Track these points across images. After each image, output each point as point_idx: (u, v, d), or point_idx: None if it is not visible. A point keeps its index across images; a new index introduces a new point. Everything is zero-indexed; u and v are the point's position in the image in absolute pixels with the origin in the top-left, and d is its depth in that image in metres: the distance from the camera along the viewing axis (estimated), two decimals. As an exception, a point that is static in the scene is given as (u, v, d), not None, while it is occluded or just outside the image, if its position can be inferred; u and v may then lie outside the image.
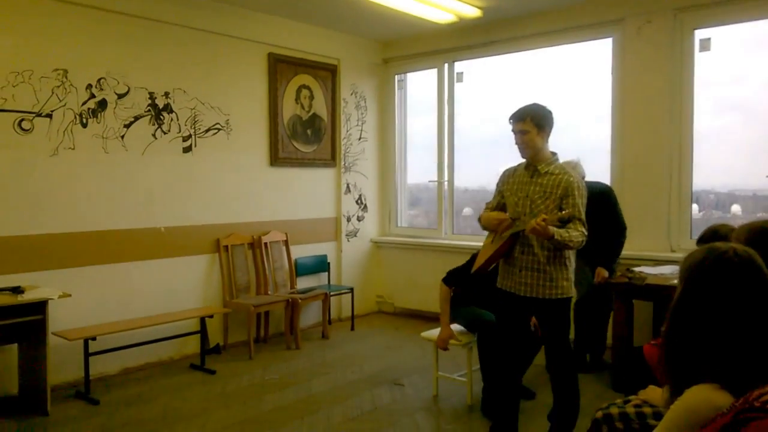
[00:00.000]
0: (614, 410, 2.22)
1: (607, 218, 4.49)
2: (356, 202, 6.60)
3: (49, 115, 4.30)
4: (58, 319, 4.12)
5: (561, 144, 5.89)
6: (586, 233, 3.10)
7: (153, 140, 4.88)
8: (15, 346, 4.12)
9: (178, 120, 5.04)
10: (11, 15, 4.11)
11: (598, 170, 5.55)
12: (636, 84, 5.16)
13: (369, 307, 6.76)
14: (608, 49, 5.35)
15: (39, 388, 3.90)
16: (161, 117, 4.93)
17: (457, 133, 6.45)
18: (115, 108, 4.64)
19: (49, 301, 3.83)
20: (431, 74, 6.56)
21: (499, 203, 3.36)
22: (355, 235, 6.59)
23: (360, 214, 6.65)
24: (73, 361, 4.23)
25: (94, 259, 4.56)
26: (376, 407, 4.00)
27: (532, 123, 3.17)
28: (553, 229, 2.96)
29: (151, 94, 4.85)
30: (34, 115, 4.23)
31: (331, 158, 6.32)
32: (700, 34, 4.93)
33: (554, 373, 3.29)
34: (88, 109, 4.50)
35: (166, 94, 4.95)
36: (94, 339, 4.13)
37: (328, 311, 5.81)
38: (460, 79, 6.40)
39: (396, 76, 6.88)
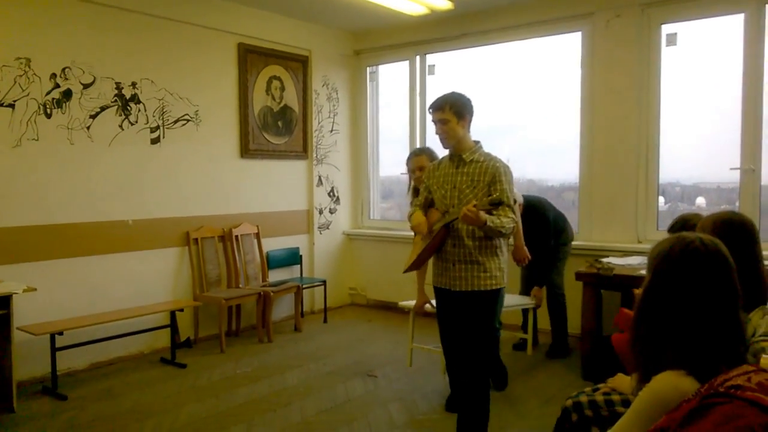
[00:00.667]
0: (583, 398, 2.27)
1: (535, 233, 4.53)
2: (328, 194, 6.58)
3: (12, 105, 4.19)
4: (23, 313, 4.03)
5: (530, 137, 5.99)
6: (517, 219, 3.12)
7: (120, 131, 4.79)
8: (-22, 341, 4.01)
9: (145, 111, 4.95)
10: (-29, 1, 3.99)
11: (567, 164, 5.65)
12: (604, 78, 5.23)
13: (342, 299, 6.75)
14: (578, 42, 5.42)
15: (4, 384, 3.81)
16: (128, 107, 4.83)
17: (428, 126, 6.47)
18: (80, 98, 4.54)
19: (14, 296, 3.74)
20: (403, 66, 6.56)
21: (427, 199, 3.28)
22: (328, 228, 6.57)
23: (332, 207, 6.63)
24: (40, 357, 4.15)
25: (60, 253, 4.46)
26: (349, 399, 4.01)
27: (451, 112, 3.12)
28: (485, 215, 2.90)
29: (117, 84, 4.75)
30: (-5, 105, 4.11)
31: (303, 150, 6.29)
32: (667, 29, 5.02)
33: (470, 366, 3.15)
34: (53, 99, 4.39)
35: (134, 84, 4.85)
36: (61, 334, 4.05)
37: (300, 304, 5.79)
38: (432, 72, 6.41)
39: (368, 68, 6.86)
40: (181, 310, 4.86)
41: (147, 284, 4.96)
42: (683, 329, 1.42)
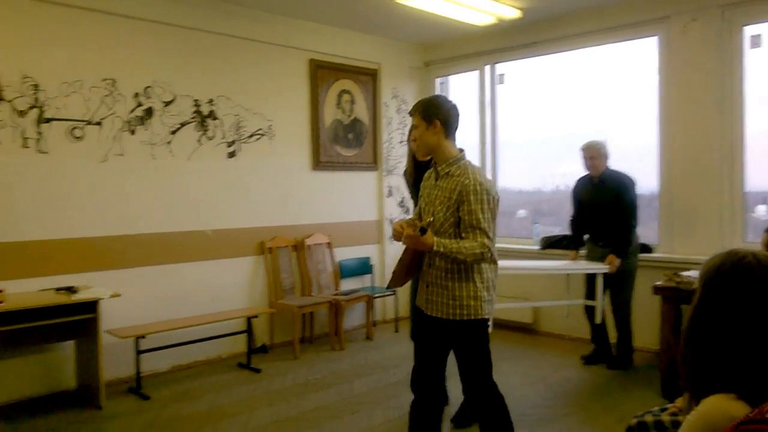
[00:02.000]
0: (649, 418, 2.17)
1: (620, 208, 4.66)
2: (398, 205, 6.63)
3: (99, 123, 4.49)
4: (111, 317, 4.29)
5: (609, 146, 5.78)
6: (486, 243, 2.64)
7: (198, 146, 5.04)
8: (72, 343, 4.31)
9: (222, 126, 5.18)
10: (63, 28, 4.31)
11: (646, 172, 5.45)
12: (683, 83, 5.03)
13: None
14: (654, 47, 5.24)
15: (93, 384, 4.07)
16: (206, 123, 5.08)
17: (501, 136, 6.41)
18: (161, 115, 4.81)
19: (101, 301, 4.00)
20: (473, 76, 6.55)
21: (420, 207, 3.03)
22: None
23: (402, 218, 6.68)
24: (127, 358, 4.39)
25: (144, 261, 4.73)
26: (416, 408, 4.01)
27: (419, 116, 2.80)
28: (431, 239, 2.59)
29: (196, 101, 5.01)
30: (84, 123, 4.42)
31: (373, 162, 6.38)
32: (750, 30, 4.78)
33: (476, 412, 2.95)
34: (136, 116, 4.68)
35: (211, 101, 5.10)
36: (143, 337, 4.28)
37: (371, 313, 5.86)
38: (501, 81, 6.36)
39: (437, 80, 6.89)
40: (256, 316, 5.03)
41: (225, 291, 5.17)
42: (732, 349, 1.36)
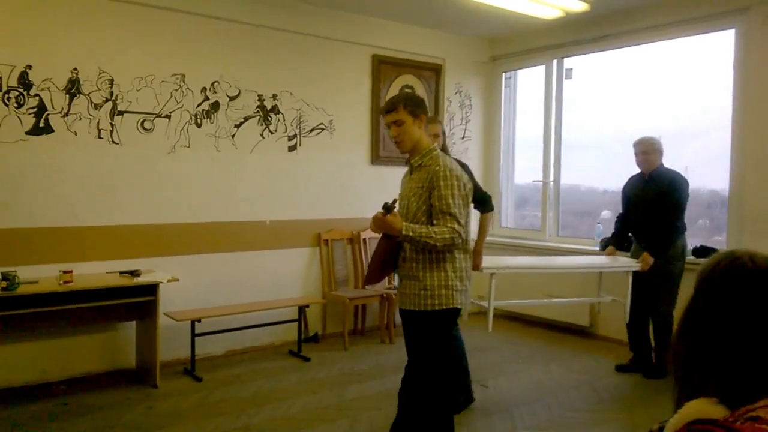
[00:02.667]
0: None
1: (667, 207, 4.45)
2: (458, 201, 6.59)
3: (168, 116, 4.74)
4: (170, 301, 4.54)
5: (680, 146, 5.52)
6: (456, 228, 2.65)
7: (261, 139, 5.22)
8: (134, 323, 4.60)
9: (284, 120, 5.34)
10: (138, 26, 4.58)
11: (716, 174, 5.17)
12: (762, 78, 4.72)
13: (470, 306, 6.72)
14: (730, 41, 4.94)
15: (150, 363, 4.33)
16: (269, 118, 5.25)
17: (571, 132, 6.23)
18: (226, 109, 5.02)
19: (160, 284, 4.24)
20: (540, 71, 6.40)
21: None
22: (457, 234, 6.58)
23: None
24: (184, 341, 4.64)
25: (205, 248, 4.96)
26: (456, 405, 4.01)
27: (405, 111, 2.80)
28: (400, 222, 2.61)
29: (260, 96, 5.19)
30: (154, 116, 4.68)
31: (434, 157, 6.37)
32: (839, 21, 4.42)
33: (411, 405, 2.84)
34: (203, 110, 4.91)
35: (274, 96, 5.26)
36: (199, 321, 4.51)
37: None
38: (569, 76, 6.18)
39: (503, 74, 6.78)
40: (308, 306, 5.17)
41: (280, 281, 5.35)
42: (718, 352, 1.29)
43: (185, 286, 4.60)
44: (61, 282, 3.93)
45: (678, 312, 1.45)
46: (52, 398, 4.06)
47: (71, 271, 3.99)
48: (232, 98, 5.05)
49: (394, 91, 6.01)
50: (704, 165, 5.27)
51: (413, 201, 2.78)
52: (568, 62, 6.17)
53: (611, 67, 5.93)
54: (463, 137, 6.61)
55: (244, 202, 5.16)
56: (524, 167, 6.85)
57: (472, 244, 3.81)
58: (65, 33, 4.29)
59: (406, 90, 6.12)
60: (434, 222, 2.69)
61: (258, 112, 5.20)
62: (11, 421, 3.69)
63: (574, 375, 4.66)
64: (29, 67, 4.15)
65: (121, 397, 4.08)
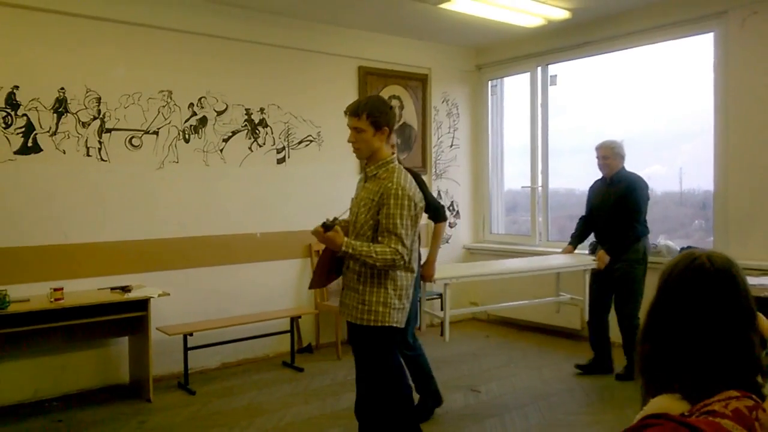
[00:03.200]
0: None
1: (626, 210, 4.51)
2: (448, 208, 6.64)
3: (156, 133, 4.79)
4: (162, 316, 4.57)
5: (673, 147, 5.56)
6: (399, 250, 2.60)
7: (249, 153, 5.26)
8: (126, 339, 4.62)
9: (272, 134, 5.39)
10: (124, 44, 4.63)
11: (701, 175, 5.24)
12: (742, 80, 4.79)
13: (463, 313, 6.76)
14: (709, 44, 5.02)
15: (144, 378, 4.35)
16: (257, 131, 5.30)
17: (551, 138, 6.30)
18: (214, 124, 5.07)
19: (152, 299, 4.27)
20: (525, 78, 6.48)
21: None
22: (447, 242, 6.63)
23: (452, 221, 6.69)
24: (177, 355, 4.65)
25: (196, 262, 4.99)
26: (446, 411, 4.04)
27: (368, 122, 2.74)
28: (341, 238, 2.58)
29: (247, 110, 5.24)
30: (142, 132, 4.73)
31: (422, 166, 6.43)
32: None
33: (370, 421, 2.90)
34: (190, 125, 4.95)
35: (261, 110, 5.31)
36: (191, 335, 4.53)
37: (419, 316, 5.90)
38: (554, 82, 6.26)
39: (489, 82, 6.86)
40: (300, 317, 5.20)
41: (272, 292, 5.37)
42: (682, 350, 1.34)
43: (177, 300, 4.62)
44: (52, 300, 3.95)
45: (643, 314, 1.49)
46: (46, 415, 4.07)
47: (62, 289, 4.02)
48: (219, 113, 5.10)
49: (381, 101, 6.07)
50: (699, 166, 5.33)
51: (362, 212, 2.76)
52: (553, 69, 6.25)
53: (595, 72, 6.01)
54: (452, 145, 6.67)
55: (234, 215, 5.20)
56: (515, 173, 6.90)
57: (424, 257, 3.88)
58: (51, 53, 4.34)
59: (393, 100, 6.18)
60: (379, 239, 2.64)
61: (246, 125, 5.25)
62: (5, 440, 3.70)
63: (566, 378, 4.69)
64: (16, 87, 4.19)
65: (114, 413, 4.09)
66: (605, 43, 5.67)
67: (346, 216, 2.89)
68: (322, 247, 5.43)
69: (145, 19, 4.68)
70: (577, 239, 5.01)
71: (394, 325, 2.72)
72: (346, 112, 2.83)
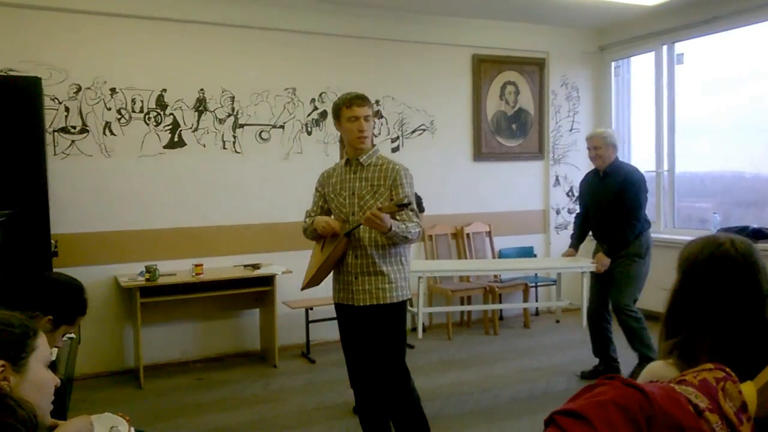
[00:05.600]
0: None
1: (624, 206, 4.16)
2: (566, 194, 6.58)
3: (282, 127, 5.29)
4: (288, 291, 5.05)
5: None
6: (420, 222, 2.84)
7: (366, 142, 5.61)
8: (257, 311, 5.19)
9: (387, 123, 5.70)
10: (254, 47, 5.15)
11: None
12: None
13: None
14: None
15: (271, 346, 4.89)
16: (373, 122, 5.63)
17: (678, 120, 6.00)
18: (333, 116, 5.46)
19: (277, 276, 4.77)
20: (649, 58, 6.21)
21: (322, 208, 3.05)
22: (566, 228, 6.56)
23: (571, 207, 6.61)
24: (301, 327, 5.13)
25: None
26: (546, 393, 4.14)
27: (372, 111, 2.96)
28: (389, 220, 2.66)
29: (363, 102, 5.58)
30: (270, 127, 5.24)
31: (539, 151, 6.42)
32: None
33: (389, 397, 2.91)
34: (312, 119, 5.40)
35: (377, 102, 5.63)
36: (311, 309, 4.99)
37: (533, 301, 5.98)
38: (680, 61, 5.95)
39: (612, 63, 6.64)
40: (411, 298, 5.47)
41: (388, 274, 5.70)
42: (707, 331, 1.42)
43: (300, 277, 5.08)
44: (194, 274, 4.58)
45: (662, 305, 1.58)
46: (189, 374, 4.73)
47: (202, 265, 4.64)
48: (338, 106, 5.49)
49: (495, 88, 6.16)
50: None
51: (368, 198, 2.85)
52: (679, 47, 5.93)
53: (725, 49, 5.63)
54: (571, 129, 6.58)
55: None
56: (645, 157, 6.62)
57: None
58: (192, 59, 4.96)
59: (508, 86, 6.23)
60: (397, 217, 2.76)
61: (363, 117, 5.59)
62: (157, 392, 4.38)
63: (568, 367, 4.70)
64: (164, 90, 4.86)
65: (245, 375, 4.66)
66: (735, 17, 5.30)
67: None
68: (438, 231, 5.68)
69: (271, 22, 5.17)
70: (577, 240, 4.67)
71: (410, 296, 2.99)
72: (355, 103, 2.87)
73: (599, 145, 4.34)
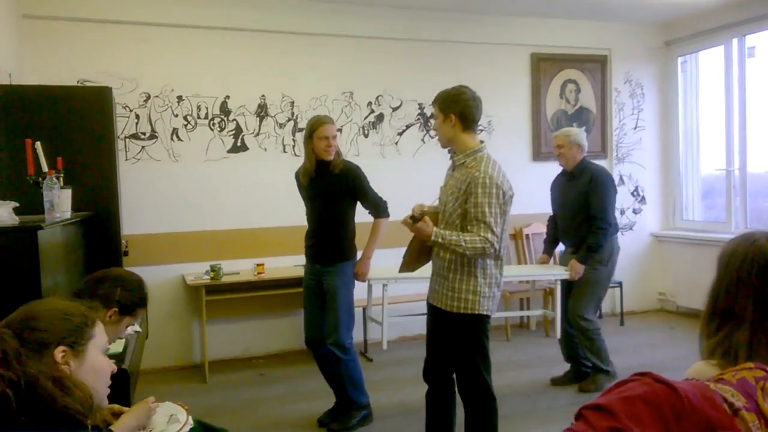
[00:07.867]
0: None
1: (591, 208, 3.97)
2: (631, 194, 6.40)
3: (340, 130, 5.39)
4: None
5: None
6: (489, 238, 2.59)
7: (422, 144, 5.66)
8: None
9: (444, 125, 5.71)
10: (312, 52, 5.29)
11: None
12: None
13: (649, 304, 6.48)
14: None
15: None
16: (429, 124, 5.67)
17: (749, 117, 5.74)
18: (390, 120, 5.55)
19: (334, 276, 4.87)
20: (719, 52, 5.97)
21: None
22: (631, 228, 6.39)
23: (636, 207, 6.43)
24: (359, 326, 5.20)
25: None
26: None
27: (437, 108, 2.88)
28: (430, 228, 2.58)
29: (420, 105, 5.63)
30: (328, 130, 5.36)
31: (602, 150, 6.28)
32: None
33: (466, 406, 2.85)
34: (369, 122, 5.49)
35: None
36: (366, 308, 5.07)
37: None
38: (751, 54, 5.69)
39: (679, 58, 6.42)
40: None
41: (445, 275, 5.72)
42: (744, 328, 1.39)
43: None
44: (256, 273, 4.75)
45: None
46: (251, 369, 4.90)
47: (263, 264, 4.80)
48: (394, 109, 5.56)
49: (555, 86, 6.07)
50: None
51: (450, 201, 2.80)
52: (750, 40, 5.68)
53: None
54: (636, 127, 6.40)
55: (407, 203, 5.59)
56: (716, 155, 6.36)
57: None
58: (254, 66, 5.14)
59: (569, 85, 6.13)
60: (468, 228, 2.66)
61: (419, 119, 5.65)
62: (221, 386, 4.56)
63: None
64: (228, 97, 5.06)
65: (303, 371, 4.78)
66: (812, 5, 5.03)
67: (436, 203, 3.00)
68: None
69: (329, 29, 5.30)
70: (550, 245, 4.51)
71: (484, 312, 2.74)
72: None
73: (562, 144, 4.23)
